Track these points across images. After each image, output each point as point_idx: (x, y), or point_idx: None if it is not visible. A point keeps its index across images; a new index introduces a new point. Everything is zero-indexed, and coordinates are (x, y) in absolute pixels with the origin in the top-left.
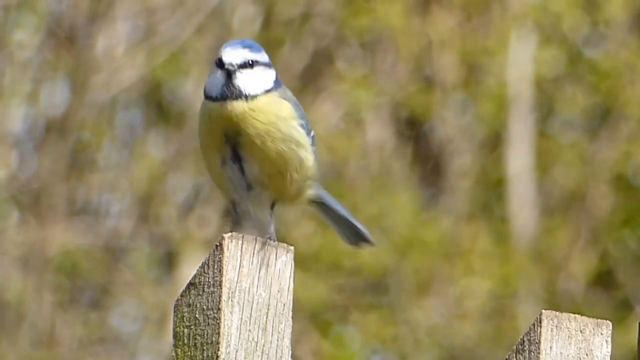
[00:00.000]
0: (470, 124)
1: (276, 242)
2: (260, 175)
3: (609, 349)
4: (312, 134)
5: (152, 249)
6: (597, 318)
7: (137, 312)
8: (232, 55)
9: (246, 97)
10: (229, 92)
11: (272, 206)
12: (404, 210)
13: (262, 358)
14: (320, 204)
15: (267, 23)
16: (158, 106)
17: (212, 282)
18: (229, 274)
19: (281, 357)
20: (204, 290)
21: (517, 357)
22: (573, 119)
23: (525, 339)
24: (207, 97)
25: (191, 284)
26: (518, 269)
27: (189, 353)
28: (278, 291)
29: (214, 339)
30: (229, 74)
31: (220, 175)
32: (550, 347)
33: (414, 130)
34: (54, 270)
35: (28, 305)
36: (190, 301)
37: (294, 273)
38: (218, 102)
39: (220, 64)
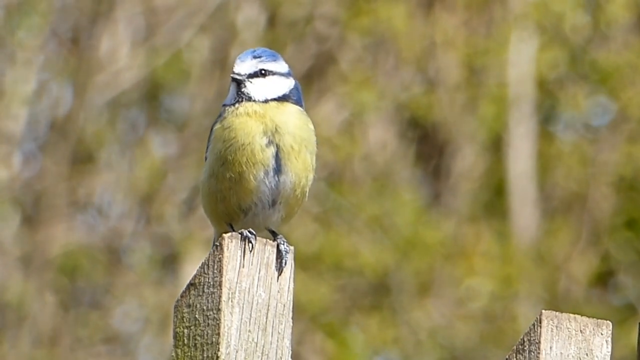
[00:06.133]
0: (473, 126)
1: (288, 246)
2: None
3: (609, 349)
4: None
5: (154, 249)
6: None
7: (139, 313)
8: None
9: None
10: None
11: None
12: (406, 211)
13: (262, 359)
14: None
15: (271, 24)
16: (159, 106)
17: (212, 283)
18: (229, 274)
19: (281, 357)
20: (203, 291)
21: (517, 357)
22: (575, 120)
23: (525, 339)
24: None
25: (191, 285)
26: (519, 269)
27: (189, 353)
28: (278, 291)
29: (213, 339)
30: None
31: (250, 192)
32: (550, 347)
33: (416, 131)
34: (55, 270)
35: (29, 305)
36: (190, 302)
37: (295, 273)
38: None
39: None
